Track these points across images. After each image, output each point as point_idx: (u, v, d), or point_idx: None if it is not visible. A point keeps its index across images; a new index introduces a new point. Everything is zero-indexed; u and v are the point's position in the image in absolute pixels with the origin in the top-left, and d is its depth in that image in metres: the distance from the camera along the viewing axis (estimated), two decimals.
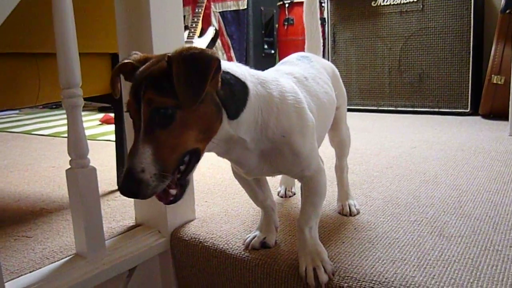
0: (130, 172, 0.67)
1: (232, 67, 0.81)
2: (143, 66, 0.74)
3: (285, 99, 0.86)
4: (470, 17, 2.82)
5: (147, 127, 0.69)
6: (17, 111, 4.24)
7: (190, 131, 0.71)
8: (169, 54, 0.70)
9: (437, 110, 3.01)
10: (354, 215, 1.20)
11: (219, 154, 0.86)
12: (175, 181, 0.74)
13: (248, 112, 0.80)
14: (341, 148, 1.27)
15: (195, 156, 0.75)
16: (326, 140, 1.22)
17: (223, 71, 0.76)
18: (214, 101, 0.74)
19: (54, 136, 2.83)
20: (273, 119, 0.83)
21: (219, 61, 0.70)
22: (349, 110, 1.29)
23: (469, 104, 2.89)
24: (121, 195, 1.38)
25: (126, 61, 0.78)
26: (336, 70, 1.24)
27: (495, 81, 2.60)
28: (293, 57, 1.15)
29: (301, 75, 1.01)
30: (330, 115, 1.12)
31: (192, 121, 0.71)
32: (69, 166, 1.00)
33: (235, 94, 0.78)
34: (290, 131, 0.85)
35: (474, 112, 2.88)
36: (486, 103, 2.71)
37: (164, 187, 0.71)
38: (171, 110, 0.68)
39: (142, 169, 0.67)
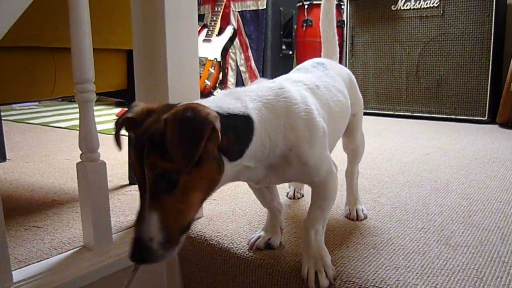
0: (139, 242, 0.67)
1: (232, 104, 0.78)
2: (144, 124, 0.72)
3: (292, 113, 0.84)
4: (491, 24, 2.77)
5: (153, 192, 0.68)
6: (36, 103, 4.32)
7: (195, 193, 0.71)
8: (165, 116, 0.67)
9: (454, 117, 2.97)
10: (362, 220, 1.20)
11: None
12: None
13: (254, 144, 0.78)
14: (354, 154, 1.27)
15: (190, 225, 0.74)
16: (339, 144, 1.22)
17: (225, 116, 0.74)
18: (214, 157, 0.72)
19: (71, 129, 2.88)
20: (280, 138, 0.82)
21: (213, 124, 0.67)
22: (365, 114, 1.28)
23: (486, 112, 2.85)
24: (131, 191, 1.39)
25: (127, 116, 0.76)
26: (353, 77, 1.22)
27: None
28: (308, 63, 1.13)
29: (313, 83, 0.98)
30: (342, 124, 1.11)
31: (196, 183, 0.70)
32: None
33: (240, 136, 0.76)
34: (298, 143, 0.84)
35: (491, 121, 2.84)
36: (504, 112, 2.67)
37: (173, 254, 0.70)
38: (174, 175, 0.67)
39: (150, 238, 0.67)
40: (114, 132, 0.78)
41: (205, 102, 0.75)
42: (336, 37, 1.28)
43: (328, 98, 1.00)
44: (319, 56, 1.28)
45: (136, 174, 0.72)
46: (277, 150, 0.82)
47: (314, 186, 0.95)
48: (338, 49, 1.29)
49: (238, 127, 0.76)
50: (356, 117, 1.20)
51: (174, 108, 0.68)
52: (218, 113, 0.71)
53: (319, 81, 1.02)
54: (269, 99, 0.83)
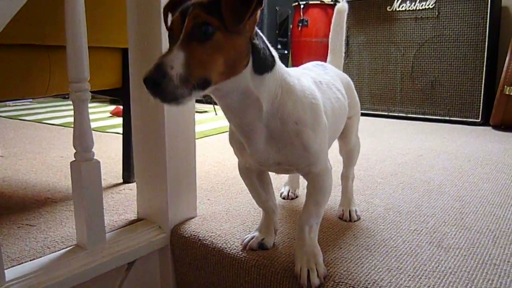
0: (160, 65, 0.70)
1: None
2: None
3: (304, 92, 0.89)
4: (486, 26, 2.79)
5: (186, 37, 0.73)
6: (30, 100, 4.29)
7: (221, 55, 0.74)
8: None
9: (447, 118, 2.99)
10: (355, 221, 1.21)
11: (230, 112, 0.85)
12: None
13: (271, 80, 0.83)
14: (349, 157, 1.28)
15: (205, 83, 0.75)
16: (334, 147, 1.22)
17: (259, 35, 0.82)
18: (247, 41, 0.78)
19: (64, 126, 2.86)
20: (291, 103, 0.86)
21: None
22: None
23: (480, 114, 2.86)
24: (125, 190, 1.38)
25: None
26: (351, 82, 1.25)
27: (507, 92, 2.57)
28: (309, 64, 1.18)
29: (317, 79, 1.03)
30: (341, 121, 1.13)
31: (225, 47, 0.74)
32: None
33: (265, 52, 0.82)
34: (304, 121, 0.87)
35: (485, 123, 2.86)
36: (497, 114, 2.68)
37: (184, 93, 0.72)
38: (211, 29, 0.72)
39: (171, 66, 0.70)
40: (163, 13, 0.83)
41: None
42: (343, 49, 1.31)
43: (330, 94, 1.04)
44: (314, 55, 1.30)
45: (173, 31, 0.76)
46: (284, 113, 0.86)
47: (310, 180, 0.96)
48: (343, 59, 1.32)
49: (265, 49, 0.83)
50: (352, 120, 1.21)
51: None
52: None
53: (321, 78, 1.06)
54: (288, 72, 0.89)
